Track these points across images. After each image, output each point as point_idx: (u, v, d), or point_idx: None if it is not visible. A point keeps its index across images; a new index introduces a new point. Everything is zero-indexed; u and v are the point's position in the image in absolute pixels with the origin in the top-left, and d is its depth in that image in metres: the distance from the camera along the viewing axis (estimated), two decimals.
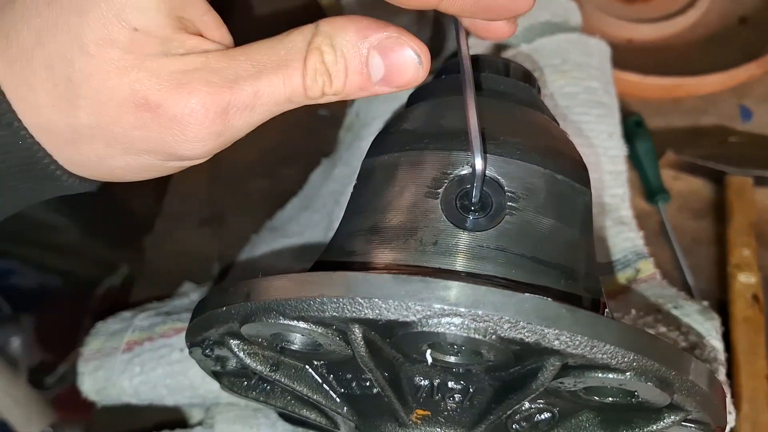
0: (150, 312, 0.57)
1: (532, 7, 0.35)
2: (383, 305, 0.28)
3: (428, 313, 0.28)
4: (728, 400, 0.48)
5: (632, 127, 0.74)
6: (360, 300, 0.28)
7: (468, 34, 0.40)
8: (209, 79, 0.31)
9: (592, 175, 0.63)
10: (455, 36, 0.38)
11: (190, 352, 0.37)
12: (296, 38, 0.32)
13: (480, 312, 0.27)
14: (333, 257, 0.36)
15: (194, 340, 0.36)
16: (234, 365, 0.38)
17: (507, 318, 0.27)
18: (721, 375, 0.48)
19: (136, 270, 0.81)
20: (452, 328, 0.28)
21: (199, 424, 0.53)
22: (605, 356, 0.28)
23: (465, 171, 0.35)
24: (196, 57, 0.32)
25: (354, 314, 0.28)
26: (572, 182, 0.37)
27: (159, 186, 0.85)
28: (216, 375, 0.40)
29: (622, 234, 0.61)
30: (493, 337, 0.28)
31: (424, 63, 0.33)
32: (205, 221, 0.81)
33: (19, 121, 0.31)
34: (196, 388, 0.51)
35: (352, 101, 0.67)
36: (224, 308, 0.32)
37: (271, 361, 0.35)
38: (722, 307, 0.63)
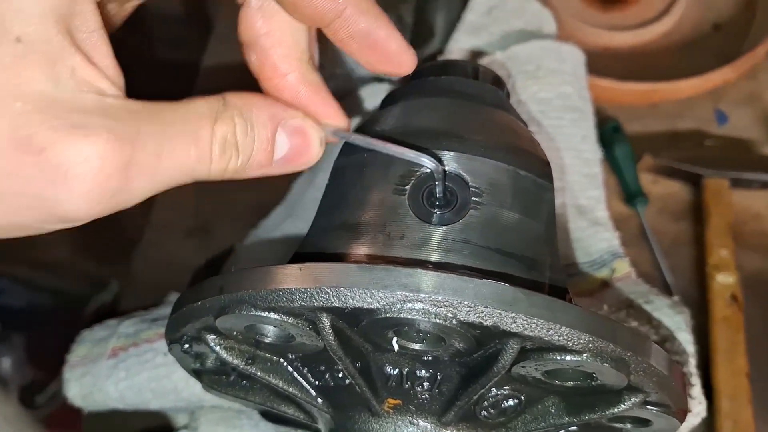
0: (135, 319, 0.58)
1: (410, 71, 0.36)
2: (348, 293, 0.29)
3: (391, 299, 0.29)
4: (699, 390, 0.50)
5: (610, 132, 0.75)
6: (326, 289, 0.29)
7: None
8: (110, 126, 0.26)
9: (568, 178, 0.65)
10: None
11: (170, 349, 0.38)
12: (203, 106, 0.30)
13: (440, 297, 0.28)
14: (306, 255, 0.38)
15: (173, 337, 0.37)
16: (213, 362, 0.39)
17: (466, 302, 0.28)
18: (691, 366, 0.49)
19: (123, 282, 0.81)
20: (414, 313, 0.29)
21: (185, 427, 0.54)
22: (561, 338, 0.29)
23: (430, 168, 0.37)
24: (93, 96, 0.27)
25: (321, 303, 0.30)
26: (535, 178, 0.38)
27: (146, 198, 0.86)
28: (196, 373, 0.41)
29: (598, 234, 0.63)
30: (454, 321, 0.29)
31: (322, 146, 0.34)
32: (192, 232, 0.81)
33: None
34: (180, 391, 0.52)
35: None
36: (199, 302, 0.33)
37: (246, 354, 0.36)
38: (701, 307, 0.64)
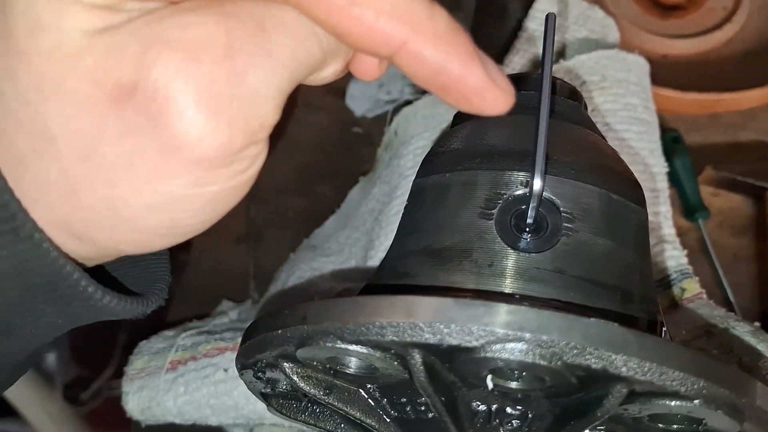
0: (192, 331, 0.57)
1: (502, 111, 0.28)
2: (445, 330, 0.27)
3: (491, 338, 0.27)
4: None
5: (670, 143, 0.73)
6: (421, 324, 0.28)
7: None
8: (185, 21, 0.22)
9: None
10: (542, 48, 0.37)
11: (241, 374, 0.37)
12: None
13: (545, 337, 0.27)
14: (385, 279, 0.36)
15: (246, 362, 0.36)
16: (284, 387, 0.38)
17: (573, 344, 0.27)
18: None
19: (173, 287, 0.81)
20: (516, 353, 0.27)
21: None
22: (674, 383, 0.27)
23: (519, 191, 0.35)
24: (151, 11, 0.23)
25: (414, 339, 0.28)
26: (627, 202, 0.36)
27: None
28: (265, 397, 0.39)
29: (666, 252, 0.60)
30: (559, 363, 0.27)
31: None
32: (242, 239, 0.81)
33: (37, 228, 0.24)
34: (240, 408, 0.51)
35: (391, 119, 0.67)
36: (279, 331, 0.32)
37: (324, 384, 0.35)
38: (764, 325, 0.60)
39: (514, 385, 0.30)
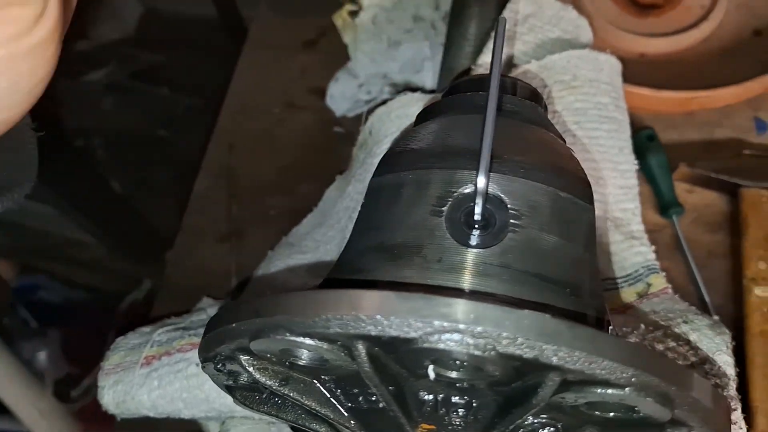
0: (168, 327, 0.58)
1: None
2: (385, 322, 0.29)
3: (429, 329, 0.28)
4: (739, 414, 0.48)
5: (645, 140, 0.74)
6: (363, 317, 0.29)
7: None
8: None
9: (603, 190, 0.64)
10: (492, 47, 0.38)
11: (203, 367, 0.38)
12: None
13: (479, 328, 0.28)
14: (342, 274, 0.37)
15: (207, 356, 0.37)
16: (245, 380, 0.39)
17: (506, 334, 0.28)
18: (731, 390, 0.48)
19: (157, 285, 0.82)
20: (452, 344, 0.28)
21: None
22: (604, 372, 0.28)
23: (469, 189, 0.36)
24: None
25: (358, 331, 0.29)
26: (576, 199, 0.37)
27: (180, 203, 0.87)
28: (229, 389, 0.41)
29: (634, 248, 0.62)
30: (492, 353, 0.28)
31: None
32: (225, 237, 0.82)
33: None
34: (212, 401, 0.52)
35: (366, 119, 0.68)
36: (234, 325, 0.33)
37: (280, 375, 0.36)
38: (738, 322, 0.63)
39: (455, 374, 0.31)
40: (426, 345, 0.29)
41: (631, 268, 0.60)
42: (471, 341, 0.28)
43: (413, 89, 0.74)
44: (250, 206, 0.82)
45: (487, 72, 0.65)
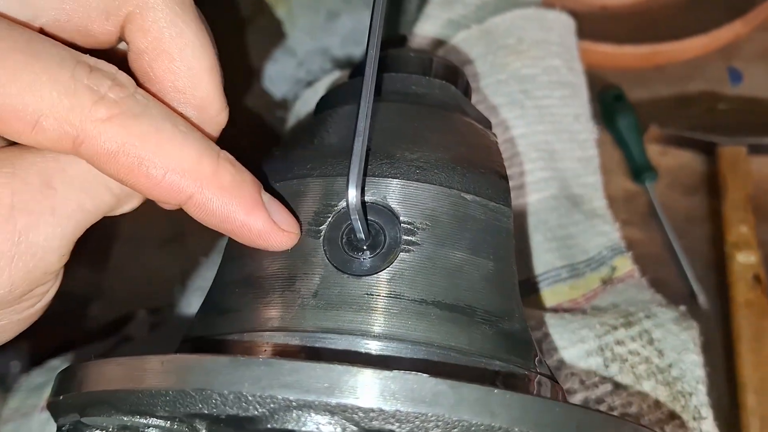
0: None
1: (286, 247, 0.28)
2: (218, 399, 0.22)
3: (272, 406, 0.22)
4: (711, 423, 0.42)
5: (611, 101, 0.68)
6: (191, 392, 0.22)
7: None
8: None
9: (559, 165, 0.57)
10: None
11: None
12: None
13: (333, 401, 0.21)
14: (207, 317, 0.31)
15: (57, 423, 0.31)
16: None
17: (368, 407, 0.21)
18: (701, 395, 0.42)
19: (93, 297, 0.77)
20: (307, 423, 0.22)
21: None
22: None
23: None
24: None
25: (188, 410, 0.23)
26: (485, 201, 0.30)
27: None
28: None
29: (596, 228, 0.55)
30: (355, 428, 0.22)
31: None
32: (165, 243, 0.76)
33: None
34: None
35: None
36: (61, 397, 0.27)
37: None
38: (721, 291, 0.59)
39: None
40: (274, 426, 0.22)
41: (593, 250, 0.54)
42: (325, 420, 0.21)
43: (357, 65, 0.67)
44: None
45: (422, 45, 0.58)
